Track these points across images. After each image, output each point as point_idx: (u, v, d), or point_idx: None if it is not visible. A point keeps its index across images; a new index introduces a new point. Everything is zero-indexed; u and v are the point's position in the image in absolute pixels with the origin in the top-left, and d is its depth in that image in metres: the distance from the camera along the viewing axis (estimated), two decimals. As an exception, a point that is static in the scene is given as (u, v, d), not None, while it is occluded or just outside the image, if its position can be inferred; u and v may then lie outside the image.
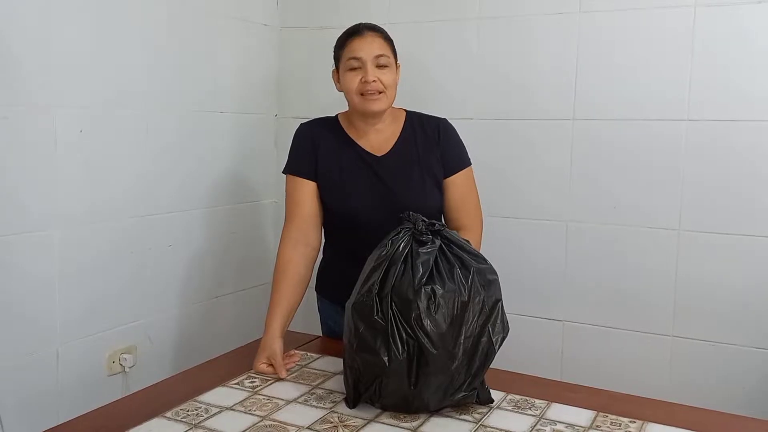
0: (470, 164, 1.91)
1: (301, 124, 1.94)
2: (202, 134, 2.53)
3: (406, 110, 1.92)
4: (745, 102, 2.15)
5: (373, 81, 1.75)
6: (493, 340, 1.39)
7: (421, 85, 2.50)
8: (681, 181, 2.25)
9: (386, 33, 1.84)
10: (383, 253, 1.42)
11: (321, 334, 2.00)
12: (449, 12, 2.52)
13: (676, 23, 2.21)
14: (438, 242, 1.42)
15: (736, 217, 2.19)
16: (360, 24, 1.84)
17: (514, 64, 2.45)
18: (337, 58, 1.85)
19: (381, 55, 1.77)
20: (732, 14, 2.15)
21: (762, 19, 2.12)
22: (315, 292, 2.02)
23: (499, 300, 1.42)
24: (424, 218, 1.45)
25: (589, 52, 2.33)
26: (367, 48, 1.77)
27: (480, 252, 1.76)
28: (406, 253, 1.40)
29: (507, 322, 1.43)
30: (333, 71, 1.88)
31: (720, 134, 2.19)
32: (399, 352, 1.34)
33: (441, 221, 1.88)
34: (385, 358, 1.35)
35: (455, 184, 1.87)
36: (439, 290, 1.35)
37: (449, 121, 1.94)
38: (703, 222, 2.23)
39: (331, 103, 2.60)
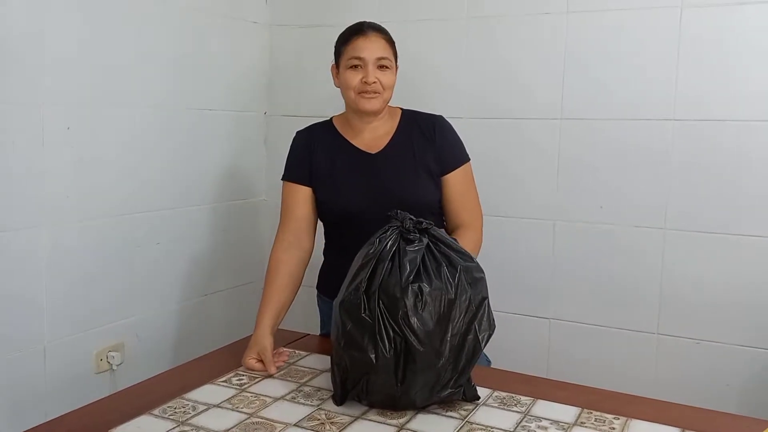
0: (468, 160, 1.91)
1: (297, 131, 1.96)
2: (191, 132, 2.53)
3: (401, 108, 1.93)
4: (730, 102, 2.17)
5: (374, 82, 1.78)
6: (480, 337, 1.40)
7: (410, 84, 2.50)
8: (667, 181, 2.26)
9: (389, 34, 1.86)
10: (371, 251, 1.42)
11: (318, 334, 2.00)
12: (438, 11, 2.53)
13: (662, 24, 2.23)
14: (425, 240, 1.43)
15: (722, 216, 2.21)
16: (364, 23, 1.85)
17: (502, 63, 2.46)
18: (338, 54, 1.86)
19: (383, 58, 1.79)
20: (718, 15, 2.16)
21: (747, 20, 2.13)
22: (316, 291, 2.03)
23: (485, 298, 1.43)
24: (412, 216, 1.46)
25: (577, 52, 2.35)
26: (371, 48, 1.79)
27: (478, 247, 1.77)
28: (394, 251, 1.41)
29: (493, 320, 1.44)
30: (332, 66, 1.89)
31: (706, 134, 2.20)
32: (386, 350, 1.35)
33: (441, 217, 1.88)
34: (373, 356, 1.36)
35: (453, 180, 1.87)
36: (426, 288, 1.36)
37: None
38: (688, 221, 2.25)
39: (321, 101, 2.61)
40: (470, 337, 1.39)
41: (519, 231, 2.47)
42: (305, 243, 1.88)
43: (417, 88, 2.52)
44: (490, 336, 1.42)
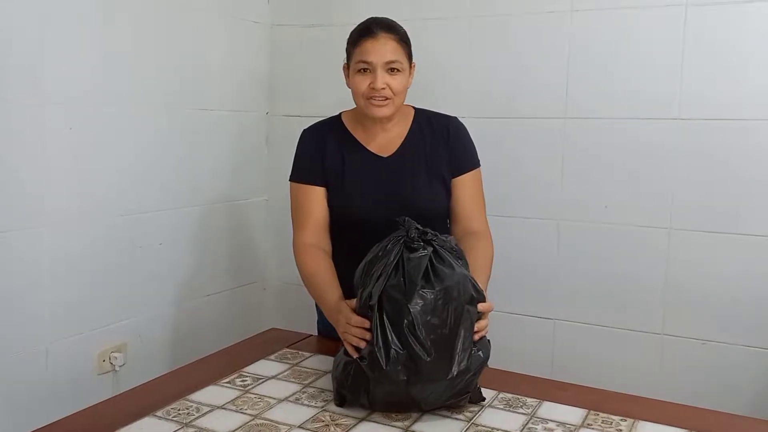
0: (479, 166, 1.87)
1: (305, 129, 1.89)
2: (193, 132, 2.52)
3: (414, 107, 1.88)
4: (735, 101, 2.16)
5: (382, 88, 1.70)
6: (483, 346, 1.39)
7: (414, 82, 2.48)
8: (671, 180, 2.25)
9: (402, 33, 1.76)
10: (374, 260, 1.41)
11: (315, 333, 1.99)
12: (441, 10, 2.52)
13: (666, 22, 2.22)
14: (430, 249, 1.40)
15: (726, 215, 2.20)
16: (374, 22, 1.75)
17: (505, 62, 2.45)
18: (348, 55, 1.78)
19: (393, 61, 1.70)
20: (722, 14, 2.15)
21: (752, 19, 2.13)
22: None
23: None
24: (418, 226, 1.43)
25: (580, 51, 2.34)
26: (380, 52, 1.69)
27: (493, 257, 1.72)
28: (398, 260, 1.39)
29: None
30: (344, 65, 1.82)
31: (710, 133, 2.20)
32: (391, 360, 1.32)
33: (447, 223, 1.86)
34: (378, 366, 1.33)
35: (464, 183, 1.83)
36: (430, 297, 1.33)
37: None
38: (693, 221, 2.24)
39: (323, 101, 2.59)
40: (477, 345, 1.38)
41: (523, 230, 2.46)
42: (326, 245, 1.79)
43: (421, 87, 2.49)
44: (488, 345, 1.42)
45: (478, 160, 1.88)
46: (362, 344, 1.39)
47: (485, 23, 2.47)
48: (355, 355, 1.41)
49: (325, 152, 1.82)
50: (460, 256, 1.44)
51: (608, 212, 2.35)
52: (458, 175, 1.83)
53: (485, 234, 1.82)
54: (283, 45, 2.85)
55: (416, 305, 1.32)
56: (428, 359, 1.31)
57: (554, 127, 2.39)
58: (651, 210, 2.29)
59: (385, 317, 1.34)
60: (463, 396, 1.40)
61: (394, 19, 1.81)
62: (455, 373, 1.33)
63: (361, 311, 1.39)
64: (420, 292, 1.33)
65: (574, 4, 2.33)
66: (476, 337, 1.40)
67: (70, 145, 2.07)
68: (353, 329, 1.42)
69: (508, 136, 2.46)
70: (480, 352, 1.38)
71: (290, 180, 1.85)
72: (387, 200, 1.75)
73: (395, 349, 1.32)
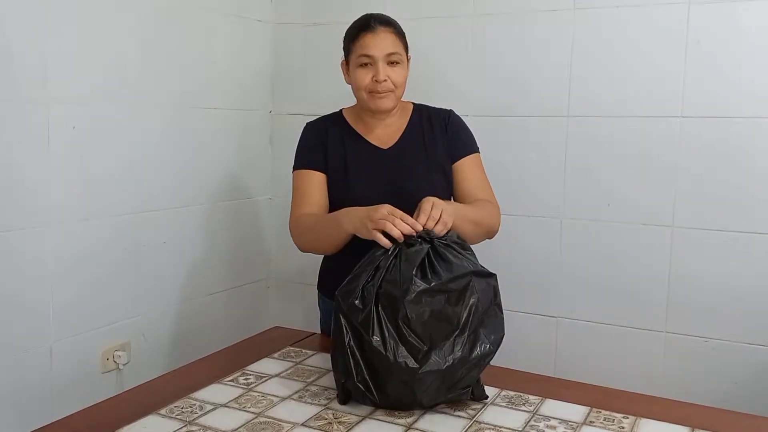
0: (478, 151, 1.90)
1: (307, 122, 1.93)
2: (197, 130, 2.53)
3: (413, 103, 1.91)
4: (738, 98, 2.16)
5: (384, 80, 1.74)
6: (489, 340, 1.39)
7: (416, 81, 2.47)
8: (675, 178, 2.25)
9: (398, 26, 1.81)
10: (371, 254, 1.41)
11: (318, 332, 1.99)
12: (444, 8, 2.53)
13: (670, 19, 2.22)
14: (427, 245, 1.41)
15: (730, 213, 2.20)
16: (371, 17, 1.79)
17: (508, 60, 2.45)
18: (347, 51, 1.82)
19: (393, 53, 1.75)
20: (725, 10, 2.15)
21: (755, 15, 2.12)
22: (317, 290, 2.01)
23: (494, 300, 1.42)
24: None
25: (584, 49, 2.34)
26: (380, 45, 1.74)
27: (499, 216, 1.79)
28: (395, 255, 1.39)
29: (503, 325, 1.43)
30: (342, 62, 1.86)
31: (714, 131, 2.19)
32: (389, 353, 1.33)
33: None
34: (375, 359, 1.34)
35: (465, 166, 1.85)
36: (427, 290, 1.34)
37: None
38: (696, 218, 2.24)
39: (326, 100, 2.59)
40: (479, 339, 1.38)
41: (526, 229, 2.46)
42: None
43: (423, 86, 2.50)
44: (499, 340, 1.41)
45: (477, 147, 1.90)
46: (404, 228, 1.42)
47: (487, 21, 2.47)
48: (389, 245, 1.42)
49: (327, 143, 1.85)
50: (465, 247, 1.45)
51: (611, 210, 2.35)
52: (458, 160, 1.86)
53: (492, 202, 1.84)
54: (287, 44, 2.85)
55: (411, 300, 1.32)
56: (425, 352, 1.32)
57: (557, 125, 2.39)
58: (654, 208, 2.29)
59: (383, 311, 1.34)
60: (463, 390, 1.40)
61: (396, 17, 1.84)
62: (452, 358, 1.34)
63: (353, 303, 1.38)
64: (413, 286, 1.33)
65: (576, 2, 2.33)
66: (432, 225, 1.45)
67: (75, 143, 2.08)
68: (396, 219, 1.44)
69: (511, 134, 2.46)
70: (485, 345, 1.38)
71: (293, 169, 1.87)
72: (387, 191, 1.77)
73: (394, 342, 1.33)
